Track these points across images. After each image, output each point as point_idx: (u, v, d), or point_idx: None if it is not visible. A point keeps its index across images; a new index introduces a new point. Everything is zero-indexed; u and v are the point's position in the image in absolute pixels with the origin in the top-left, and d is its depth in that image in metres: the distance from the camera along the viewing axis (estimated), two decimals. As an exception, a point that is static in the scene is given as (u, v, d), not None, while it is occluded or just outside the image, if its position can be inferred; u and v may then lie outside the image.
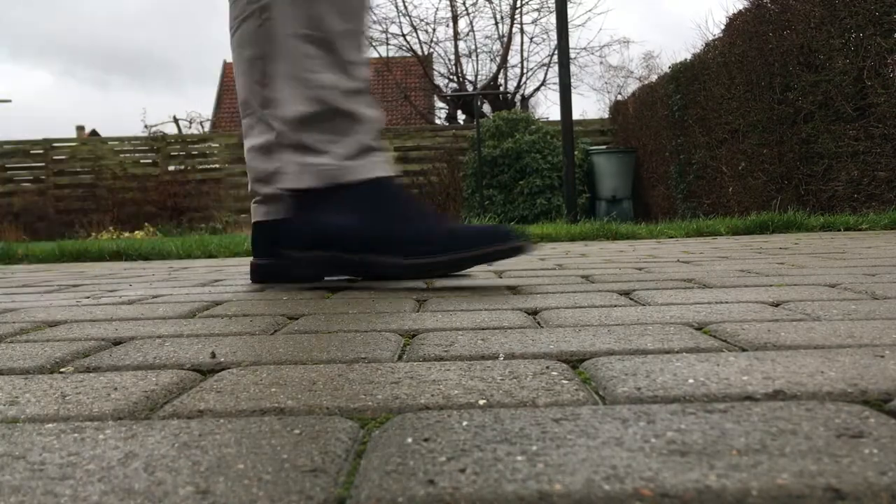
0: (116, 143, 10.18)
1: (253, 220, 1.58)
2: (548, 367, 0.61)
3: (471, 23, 16.50)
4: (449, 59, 14.83)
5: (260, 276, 1.57)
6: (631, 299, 1.06)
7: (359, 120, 1.31)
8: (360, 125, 1.31)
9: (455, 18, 14.59)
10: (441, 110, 16.13)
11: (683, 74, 7.02)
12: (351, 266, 1.32)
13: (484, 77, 14.66)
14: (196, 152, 10.20)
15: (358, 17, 1.32)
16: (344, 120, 1.29)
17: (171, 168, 10.06)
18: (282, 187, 1.33)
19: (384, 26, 14.55)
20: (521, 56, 15.30)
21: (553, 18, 10.17)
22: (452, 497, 0.33)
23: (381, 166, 1.31)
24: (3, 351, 0.78)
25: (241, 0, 1.45)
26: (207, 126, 14.44)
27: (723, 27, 6.35)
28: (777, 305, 0.94)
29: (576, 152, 7.43)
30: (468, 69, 17.42)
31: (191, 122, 13.17)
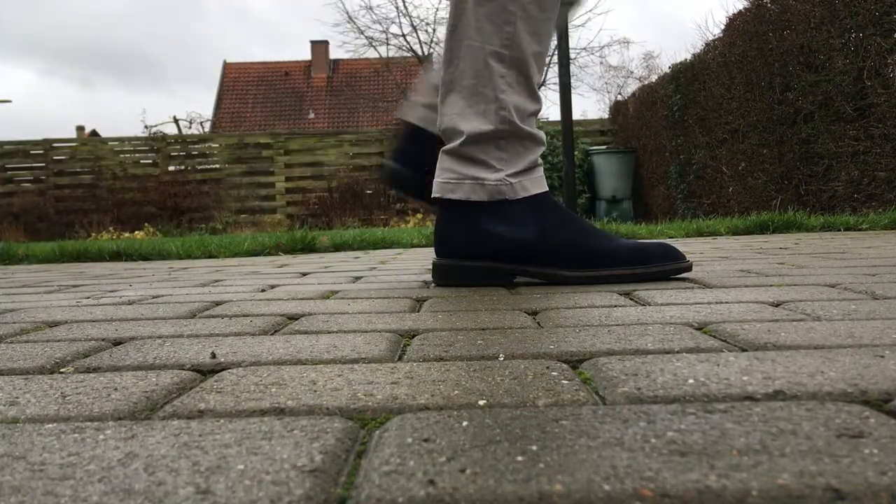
0: (116, 143, 10.17)
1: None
2: (548, 368, 0.61)
3: (471, 23, 16.44)
4: (449, 60, 14.80)
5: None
6: (631, 299, 1.06)
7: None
8: (535, 146, 1.34)
9: (455, 19, 14.55)
10: (441, 110, 16.09)
11: (683, 74, 7.02)
12: (531, 276, 1.35)
13: (484, 77, 14.62)
14: (196, 152, 10.20)
15: (548, 39, 1.33)
16: (523, 141, 1.32)
17: (172, 168, 10.06)
18: (446, 196, 1.33)
19: (384, 26, 14.56)
20: (521, 56, 15.24)
21: (553, 18, 10.16)
22: (452, 497, 0.33)
23: (542, 181, 1.35)
24: (4, 351, 0.78)
25: None
26: (207, 126, 14.44)
27: (723, 27, 6.35)
28: (777, 305, 0.94)
29: (576, 152, 7.43)
30: (468, 69, 17.38)
31: (191, 123, 13.18)
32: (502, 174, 1.30)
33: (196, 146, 10.31)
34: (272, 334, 0.85)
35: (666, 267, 1.30)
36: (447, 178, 1.34)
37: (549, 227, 1.30)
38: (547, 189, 1.35)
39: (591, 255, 1.29)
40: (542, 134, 1.35)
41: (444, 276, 1.36)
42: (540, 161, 1.35)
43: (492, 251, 1.31)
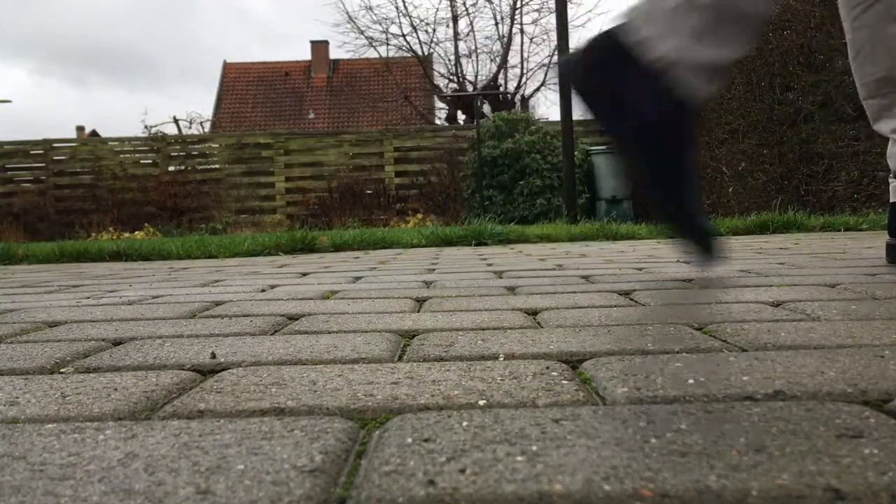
0: (116, 143, 10.17)
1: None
2: (548, 368, 0.61)
3: (471, 23, 16.51)
4: (449, 60, 14.85)
5: None
6: (631, 300, 1.06)
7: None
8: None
9: (455, 19, 14.61)
10: (441, 111, 16.15)
11: (683, 74, 7.02)
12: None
13: (484, 77, 14.68)
14: (196, 153, 10.20)
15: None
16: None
17: (172, 168, 10.06)
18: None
19: (384, 26, 14.59)
20: (521, 56, 15.34)
21: (553, 19, 10.18)
22: (452, 497, 0.33)
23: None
24: (4, 351, 0.78)
25: None
26: (207, 126, 14.44)
27: (723, 27, 6.34)
28: (777, 305, 0.94)
29: (576, 153, 7.43)
30: (468, 69, 17.46)
31: (191, 123, 13.18)
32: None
33: (196, 146, 10.30)
34: (272, 334, 0.85)
35: (712, 245, 1.30)
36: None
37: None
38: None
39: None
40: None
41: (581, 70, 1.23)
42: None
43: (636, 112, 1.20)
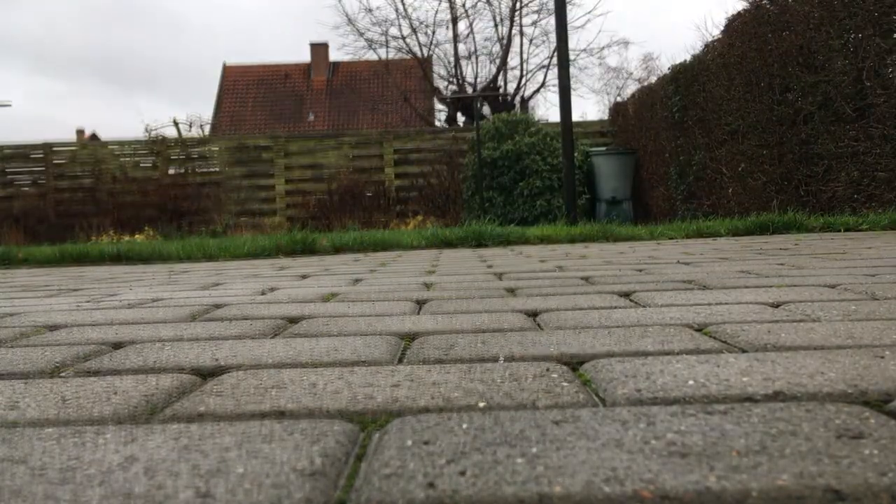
0: (116, 146, 10.18)
1: None
2: (548, 369, 0.61)
3: (470, 25, 16.55)
4: (448, 62, 14.87)
5: None
6: (631, 301, 1.06)
7: None
8: None
9: (455, 20, 14.63)
10: (441, 112, 16.16)
11: (683, 76, 7.03)
12: None
13: (483, 79, 14.70)
14: (196, 155, 10.21)
15: None
16: None
17: (172, 171, 10.07)
18: None
19: (384, 28, 14.61)
20: (521, 58, 15.35)
21: (553, 20, 10.19)
22: (452, 500, 0.33)
23: None
24: (3, 355, 0.78)
25: None
26: (207, 129, 14.44)
27: (722, 28, 6.35)
28: (777, 306, 0.94)
29: (576, 154, 7.45)
30: (468, 71, 17.48)
31: (191, 125, 13.19)
32: None
33: (196, 149, 10.31)
34: (272, 337, 0.85)
35: None
36: None
37: None
38: None
39: None
40: None
41: None
42: None
43: None
